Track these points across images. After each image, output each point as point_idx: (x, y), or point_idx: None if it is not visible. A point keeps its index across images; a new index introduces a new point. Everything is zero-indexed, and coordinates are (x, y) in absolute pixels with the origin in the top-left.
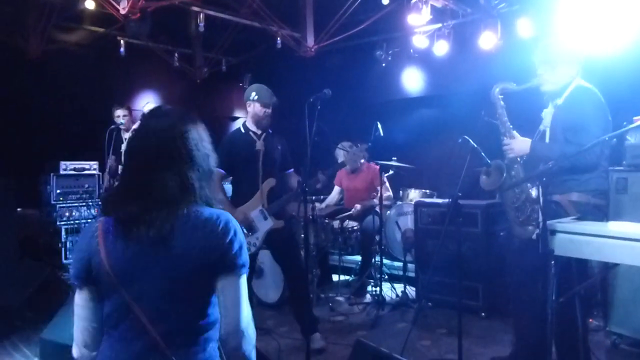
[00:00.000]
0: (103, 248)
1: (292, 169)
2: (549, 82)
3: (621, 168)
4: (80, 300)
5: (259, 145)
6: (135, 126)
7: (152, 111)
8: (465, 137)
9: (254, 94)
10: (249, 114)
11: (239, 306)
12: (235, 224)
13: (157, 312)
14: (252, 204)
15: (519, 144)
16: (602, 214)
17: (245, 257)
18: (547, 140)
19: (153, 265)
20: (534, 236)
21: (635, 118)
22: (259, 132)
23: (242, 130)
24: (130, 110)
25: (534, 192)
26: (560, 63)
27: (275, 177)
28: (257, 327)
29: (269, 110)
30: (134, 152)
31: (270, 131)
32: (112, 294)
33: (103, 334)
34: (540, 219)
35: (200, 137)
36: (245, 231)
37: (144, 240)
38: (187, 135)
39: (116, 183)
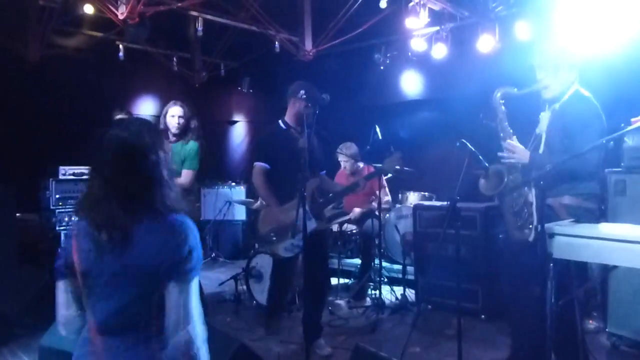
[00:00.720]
0: (75, 249)
1: (324, 171)
2: (549, 88)
3: (619, 170)
4: (59, 290)
5: (303, 142)
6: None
7: (116, 122)
8: (463, 140)
9: (302, 91)
10: (292, 110)
11: (186, 307)
12: (187, 229)
13: (105, 307)
14: (296, 203)
15: (520, 152)
16: (594, 217)
17: (195, 262)
18: (542, 144)
19: (109, 266)
20: (531, 239)
21: (633, 120)
22: (300, 129)
23: (283, 127)
24: (130, 114)
25: (530, 197)
26: (560, 67)
27: (317, 177)
28: (256, 331)
29: (317, 110)
30: (99, 161)
31: (309, 130)
32: (83, 289)
33: (78, 322)
34: (537, 222)
35: (160, 146)
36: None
37: (106, 244)
38: (148, 145)
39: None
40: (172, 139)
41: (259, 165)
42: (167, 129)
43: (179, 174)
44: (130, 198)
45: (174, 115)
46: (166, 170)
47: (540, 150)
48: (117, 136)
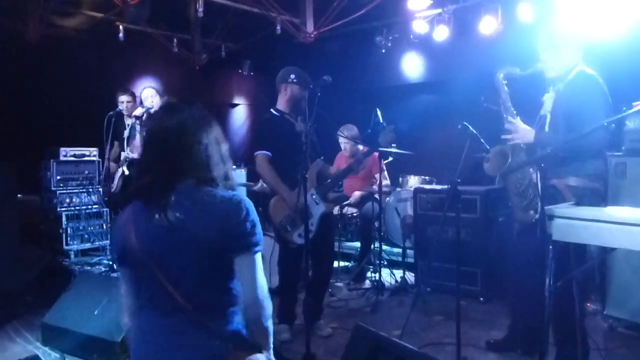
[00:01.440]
0: (132, 232)
1: (321, 157)
2: (553, 68)
3: (620, 153)
4: (122, 277)
5: (299, 126)
6: (137, 113)
7: (166, 106)
8: (465, 123)
9: (293, 75)
10: (284, 97)
11: (255, 281)
12: (248, 204)
13: (185, 287)
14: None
15: (523, 131)
16: (599, 197)
17: (258, 236)
18: (547, 125)
19: (177, 245)
20: (534, 220)
21: (634, 103)
22: (293, 114)
23: (276, 114)
24: (134, 96)
25: (535, 177)
26: (563, 48)
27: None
28: None
29: (306, 93)
30: (149, 143)
31: (302, 115)
32: (146, 272)
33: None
34: (543, 203)
35: (206, 126)
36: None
37: (166, 222)
38: (193, 128)
39: (119, 168)
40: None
41: (260, 154)
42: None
43: None
44: (187, 177)
45: (147, 97)
46: (217, 151)
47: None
48: (170, 122)
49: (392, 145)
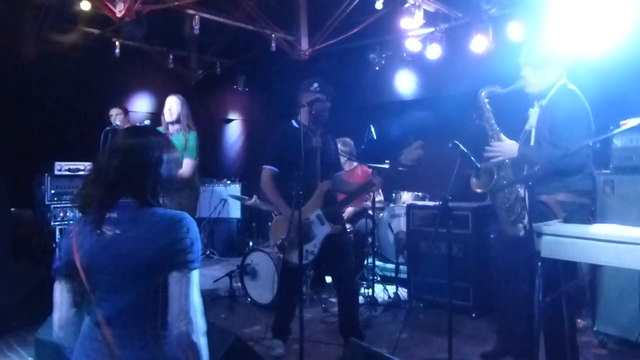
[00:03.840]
0: (76, 247)
1: (341, 172)
2: (532, 84)
3: (608, 171)
4: (58, 290)
5: (316, 142)
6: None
7: (122, 130)
8: (455, 141)
9: (316, 84)
10: (306, 108)
11: (187, 298)
12: (189, 222)
13: (108, 301)
14: (309, 208)
15: (506, 148)
16: (587, 212)
17: (196, 254)
18: (532, 139)
19: (114, 262)
20: (522, 233)
21: (622, 122)
22: (314, 128)
23: (296, 126)
24: (126, 110)
25: (521, 192)
26: (544, 65)
27: (331, 178)
28: (251, 329)
29: (329, 104)
30: (98, 164)
31: (323, 129)
32: (84, 287)
33: (76, 323)
34: (530, 219)
35: (162, 149)
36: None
37: (104, 239)
38: (149, 146)
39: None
40: (171, 129)
41: (267, 168)
42: (165, 122)
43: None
44: (131, 196)
45: (166, 105)
46: (167, 171)
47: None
48: (124, 140)
49: (414, 162)
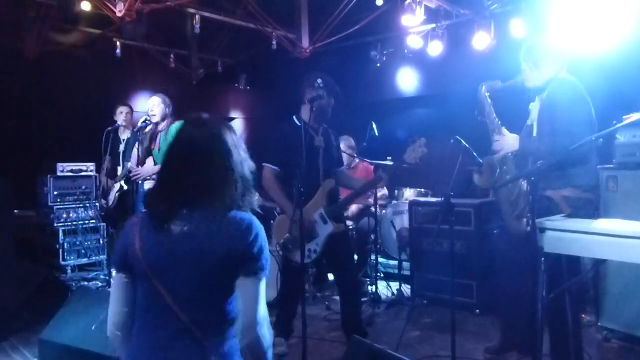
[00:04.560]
0: (138, 240)
1: (343, 167)
2: (532, 79)
3: (611, 166)
4: (116, 283)
5: (319, 140)
6: (134, 129)
7: (192, 120)
8: (457, 137)
9: (320, 80)
10: (308, 105)
11: (256, 306)
12: (258, 227)
13: (185, 301)
14: (312, 207)
15: (508, 141)
16: (593, 208)
17: (264, 261)
18: (534, 133)
19: (182, 259)
20: (528, 228)
21: (625, 117)
22: (317, 126)
23: (298, 124)
24: (132, 109)
25: (525, 187)
26: (543, 61)
27: (334, 177)
28: None
29: (332, 101)
30: (173, 156)
31: (326, 126)
32: (144, 282)
33: (134, 319)
34: (534, 215)
35: (235, 145)
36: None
37: (174, 236)
38: (222, 144)
39: (115, 184)
40: (160, 127)
41: (268, 167)
42: (153, 122)
43: None
44: (200, 192)
45: (149, 107)
46: (242, 169)
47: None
48: (193, 134)
49: (418, 161)
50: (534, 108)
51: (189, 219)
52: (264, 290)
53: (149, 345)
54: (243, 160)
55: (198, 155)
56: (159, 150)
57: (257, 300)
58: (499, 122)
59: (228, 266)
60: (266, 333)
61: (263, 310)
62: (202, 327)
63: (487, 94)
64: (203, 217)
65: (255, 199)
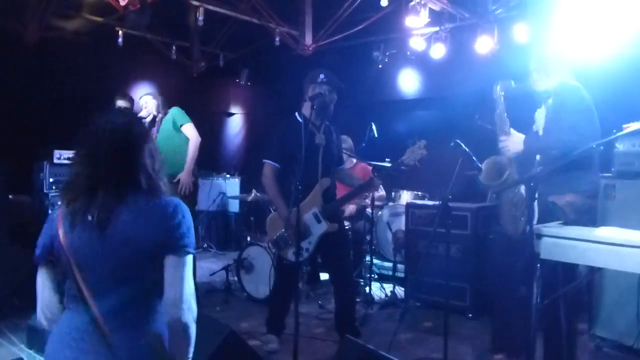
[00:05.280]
0: (61, 233)
1: (343, 165)
2: (542, 85)
3: (609, 175)
4: (42, 276)
5: (319, 138)
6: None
7: (104, 115)
8: (457, 140)
9: (322, 75)
10: (310, 101)
11: (182, 282)
12: (183, 209)
13: (103, 291)
14: (306, 205)
15: (514, 141)
16: (594, 214)
17: (190, 238)
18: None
19: (101, 248)
20: (527, 229)
21: (624, 126)
22: (318, 122)
23: (299, 120)
24: (132, 101)
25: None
26: (552, 68)
27: (331, 175)
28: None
29: (335, 97)
30: (84, 150)
31: (328, 123)
32: (69, 273)
33: (59, 310)
34: (531, 221)
35: (144, 137)
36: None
37: (93, 226)
38: (132, 136)
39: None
40: (159, 117)
41: (268, 164)
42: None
43: (178, 139)
44: (122, 182)
45: (142, 104)
46: (155, 158)
47: None
48: (111, 124)
49: (417, 163)
50: (540, 115)
51: (103, 209)
52: (190, 266)
53: (65, 336)
54: (153, 150)
55: (112, 146)
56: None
57: (183, 276)
58: (508, 122)
59: (151, 249)
60: (193, 307)
61: (189, 285)
62: (115, 316)
63: (502, 93)
64: (123, 205)
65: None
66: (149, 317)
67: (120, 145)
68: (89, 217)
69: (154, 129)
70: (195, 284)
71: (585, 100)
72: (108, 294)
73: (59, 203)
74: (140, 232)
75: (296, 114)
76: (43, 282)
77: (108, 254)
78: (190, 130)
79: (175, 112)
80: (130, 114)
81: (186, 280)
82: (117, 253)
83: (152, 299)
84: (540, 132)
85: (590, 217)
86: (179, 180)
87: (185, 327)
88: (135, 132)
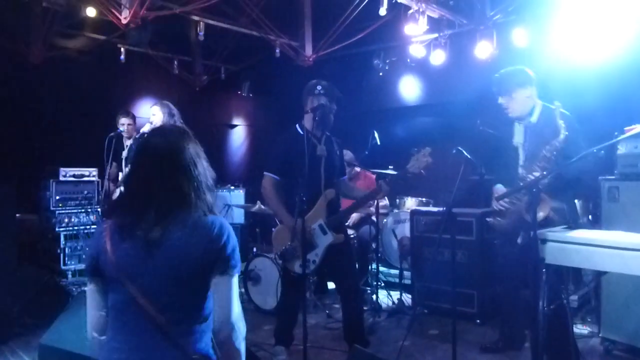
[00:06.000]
0: (109, 247)
1: (345, 176)
2: (512, 109)
3: (612, 177)
4: (90, 291)
5: (321, 149)
6: (136, 135)
7: (154, 130)
8: (459, 148)
9: (319, 87)
10: (309, 114)
11: (230, 303)
12: (228, 228)
13: (158, 303)
14: (312, 217)
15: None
16: (563, 216)
17: (236, 259)
18: (521, 156)
19: (153, 264)
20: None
21: (626, 128)
22: (319, 133)
23: (300, 132)
24: (134, 118)
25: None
26: (515, 90)
27: (335, 186)
28: (254, 334)
29: (334, 107)
30: (137, 166)
31: (328, 133)
32: (117, 287)
33: (105, 325)
34: (535, 226)
35: (197, 154)
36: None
37: (143, 242)
38: (184, 152)
39: (117, 189)
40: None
41: (268, 176)
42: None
43: None
44: (173, 200)
45: (151, 114)
46: (205, 175)
47: (521, 161)
48: (156, 144)
49: (422, 171)
50: (518, 130)
51: (154, 226)
52: (236, 288)
53: (127, 347)
54: (205, 167)
55: (163, 163)
56: None
57: (231, 297)
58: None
59: (202, 268)
60: (241, 327)
61: (237, 307)
62: (178, 326)
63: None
64: (173, 223)
65: (216, 206)
66: (192, 337)
67: (173, 164)
68: (138, 233)
69: None
70: None
71: (575, 127)
72: (162, 307)
73: (104, 218)
74: (188, 251)
75: (297, 125)
76: (92, 296)
77: (155, 271)
78: None
79: None
80: (184, 131)
81: (233, 301)
82: (164, 270)
83: (196, 319)
84: (521, 150)
85: (564, 220)
86: None
87: (234, 347)
88: (188, 150)
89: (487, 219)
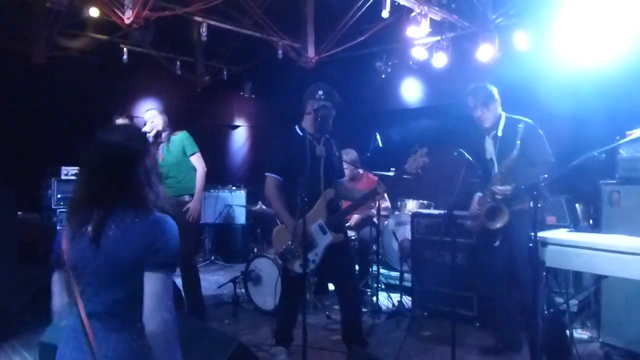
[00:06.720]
0: (65, 244)
1: (344, 178)
2: (486, 120)
3: (614, 181)
4: (54, 279)
5: (320, 150)
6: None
7: (104, 128)
8: (460, 150)
9: (320, 92)
10: (310, 115)
11: (159, 297)
12: (165, 226)
13: (92, 296)
14: (312, 216)
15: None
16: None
17: (169, 257)
18: (495, 168)
19: (93, 259)
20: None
21: (628, 132)
22: (318, 135)
23: (300, 133)
24: (131, 118)
25: None
26: (490, 103)
27: (334, 187)
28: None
29: (334, 111)
30: (81, 164)
31: (327, 136)
32: (72, 279)
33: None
34: (535, 229)
35: (146, 152)
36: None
37: (87, 239)
38: (125, 150)
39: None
40: (163, 136)
41: (270, 176)
42: (153, 135)
43: (186, 164)
44: (114, 198)
45: (148, 119)
46: (152, 174)
47: (495, 172)
48: (107, 140)
49: (419, 170)
50: (489, 145)
51: (96, 223)
52: (169, 285)
53: (66, 335)
54: (150, 165)
55: (109, 160)
56: (163, 160)
57: (161, 292)
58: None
59: (134, 264)
60: (169, 321)
61: (167, 301)
62: (99, 320)
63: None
64: (112, 220)
65: (165, 201)
66: (133, 326)
67: (113, 162)
68: (83, 230)
69: (161, 146)
70: (202, 296)
71: (537, 132)
72: (95, 300)
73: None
74: (123, 247)
75: (296, 127)
76: (54, 285)
77: (97, 266)
78: (197, 161)
79: (185, 138)
80: (131, 129)
81: (164, 295)
82: (104, 265)
83: (136, 310)
84: (495, 161)
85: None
86: (188, 208)
87: (161, 341)
88: (131, 148)
89: (466, 223)
